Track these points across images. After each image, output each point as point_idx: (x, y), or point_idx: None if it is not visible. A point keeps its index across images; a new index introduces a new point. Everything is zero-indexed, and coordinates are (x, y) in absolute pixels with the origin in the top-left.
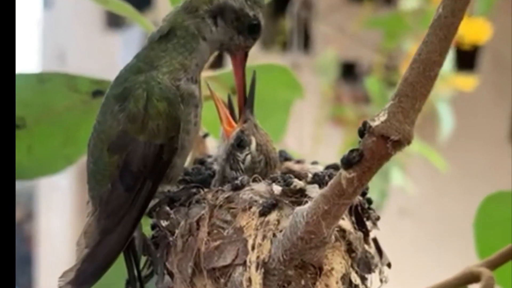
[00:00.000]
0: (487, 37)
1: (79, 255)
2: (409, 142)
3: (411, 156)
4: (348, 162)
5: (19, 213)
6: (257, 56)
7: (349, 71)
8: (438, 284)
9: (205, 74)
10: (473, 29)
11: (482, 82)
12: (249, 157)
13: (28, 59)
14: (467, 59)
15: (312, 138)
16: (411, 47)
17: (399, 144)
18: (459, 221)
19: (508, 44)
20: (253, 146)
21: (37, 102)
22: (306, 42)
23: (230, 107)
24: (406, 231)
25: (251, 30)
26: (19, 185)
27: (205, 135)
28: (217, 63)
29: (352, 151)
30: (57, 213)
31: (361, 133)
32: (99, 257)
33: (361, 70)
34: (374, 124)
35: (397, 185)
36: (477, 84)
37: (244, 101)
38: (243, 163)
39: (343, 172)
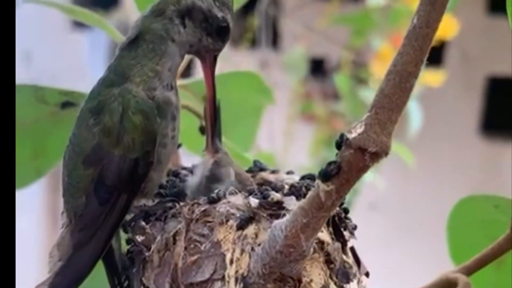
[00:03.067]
0: (454, 32)
1: (52, 268)
2: (386, 154)
3: None
4: (326, 175)
5: None
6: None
7: (318, 68)
8: None
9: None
10: (440, 25)
11: (449, 77)
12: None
13: None
14: (434, 55)
15: (283, 135)
16: (379, 44)
17: (377, 155)
18: (429, 214)
19: (475, 39)
20: (232, 177)
21: None
22: (274, 39)
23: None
24: (376, 225)
25: (219, 32)
26: None
27: (178, 146)
28: (186, 72)
29: (330, 163)
30: (26, 215)
31: (338, 145)
32: (72, 271)
33: (330, 66)
34: (351, 136)
35: (368, 181)
36: (445, 79)
37: (213, 121)
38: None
39: (321, 185)
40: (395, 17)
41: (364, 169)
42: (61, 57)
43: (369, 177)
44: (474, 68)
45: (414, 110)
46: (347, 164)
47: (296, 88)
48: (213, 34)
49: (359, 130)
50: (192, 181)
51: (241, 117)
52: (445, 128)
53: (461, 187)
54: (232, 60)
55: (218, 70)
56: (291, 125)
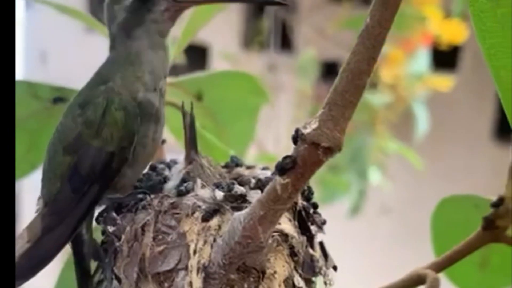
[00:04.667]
0: (464, 37)
1: (19, 249)
2: (339, 149)
3: (390, 155)
4: (282, 169)
5: None
6: (237, 56)
7: (330, 70)
8: (386, 286)
9: (168, 80)
10: (450, 30)
11: (463, 81)
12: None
13: None
14: (447, 59)
15: (288, 136)
16: (388, 48)
17: (330, 151)
18: None
19: None
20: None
21: None
22: (285, 42)
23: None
24: (387, 228)
25: None
26: None
27: (163, 141)
28: (200, 66)
29: (285, 157)
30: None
31: (294, 140)
32: (37, 253)
33: None
34: (306, 131)
35: (378, 184)
36: (458, 83)
37: (190, 133)
38: None
39: (277, 178)
40: (404, 22)
41: (318, 163)
42: (76, 59)
43: (377, 180)
44: (487, 72)
45: (421, 114)
46: (302, 159)
47: (304, 91)
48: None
49: (314, 126)
50: (168, 185)
51: (237, 117)
52: (457, 132)
53: (473, 191)
54: (241, 62)
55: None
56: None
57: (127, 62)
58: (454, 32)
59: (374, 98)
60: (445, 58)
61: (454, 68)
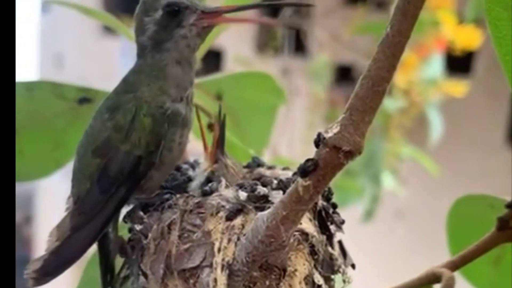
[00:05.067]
0: (479, 42)
1: (49, 246)
2: (360, 153)
3: (404, 160)
4: (304, 171)
5: (18, 216)
6: (251, 60)
7: (345, 75)
8: (402, 284)
9: None
10: (464, 35)
11: (476, 86)
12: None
13: (25, 63)
14: (461, 64)
15: (303, 141)
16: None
17: (351, 154)
18: None
19: None
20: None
21: (26, 109)
22: (299, 46)
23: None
24: (401, 232)
25: (170, 13)
26: (18, 188)
27: None
28: (215, 70)
29: (307, 160)
30: (56, 217)
31: (316, 144)
32: (66, 251)
33: (356, 73)
34: (327, 135)
35: (392, 189)
36: (472, 88)
37: (220, 134)
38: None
39: (299, 180)
40: (418, 26)
41: (339, 166)
42: (92, 61)
43: (391, 185)
44: (501, 77)
45: (435, 119)
46: (323, 162)
47: (318, 95)
48: (169, 19)
49: (335, 130)
50: (192, 184)
51: (255, 116)
52: (471, 137)
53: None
54: (256, 66)
55: None
56: (311, 132)
57: (154, 75)
58: (468, 37)
59: (388, 103)
60: (459, 64)
61: (467, 73)
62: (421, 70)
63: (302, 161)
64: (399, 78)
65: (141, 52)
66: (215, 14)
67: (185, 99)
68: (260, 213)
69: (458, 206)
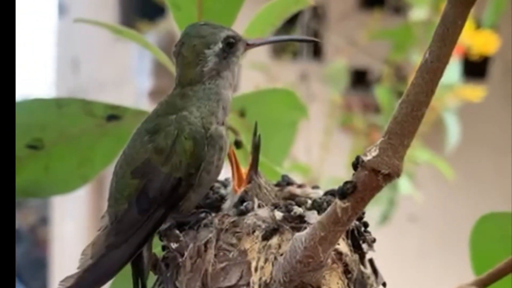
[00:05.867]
0: (495, 47)
1: (83, 264)
2: (398, 176)
3: (420, 164)
4: (342, 193)
5: (33, 218)
6: (268, 64)
7: (360, 79)
8: None
9: None
10: (481, 40)
11: (493, 91)
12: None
13: (42, 66)
14: (477, 69)
15: (320, 146)
16: (418, 58)
17: (389, 177)
18: (468, 227)
19: None
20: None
21: (55, 125)
22: (316, 51)
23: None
24: (415, 237)
25: (229, 45)
26: None
27: None
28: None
29: (346, 182)
30: (71, 218)
31: (355, 167)
32: (100, 269)
33: (372, 77)
34: (366, 158)
35: (407, 193)
36: (488, 93)
37: (255, 156)
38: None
39: (338, 202)
40: None
41: (377, 188)
42: (108, 65)
43: (407, 190)
44: None
45: (452, 123)
46: (362, 184)
47: (335, 100)
48: (228, 49)
49: (374, 153)
50: (226, 204)
51: (277, 132)
52: (486, 141)
53: (501, 200)
54: (273, 71)
55: (258, 80)
56: (329, 137)
57: (206, 98)
58: (485, 42)
59: None
60: (475, 68)
61: (484, 78)
62: None
63: (320, 166)
64: None
65: (194, 80)
66: (253, 45)
67: (226, 124)
68: (297, 234)
69: (481, 224)
